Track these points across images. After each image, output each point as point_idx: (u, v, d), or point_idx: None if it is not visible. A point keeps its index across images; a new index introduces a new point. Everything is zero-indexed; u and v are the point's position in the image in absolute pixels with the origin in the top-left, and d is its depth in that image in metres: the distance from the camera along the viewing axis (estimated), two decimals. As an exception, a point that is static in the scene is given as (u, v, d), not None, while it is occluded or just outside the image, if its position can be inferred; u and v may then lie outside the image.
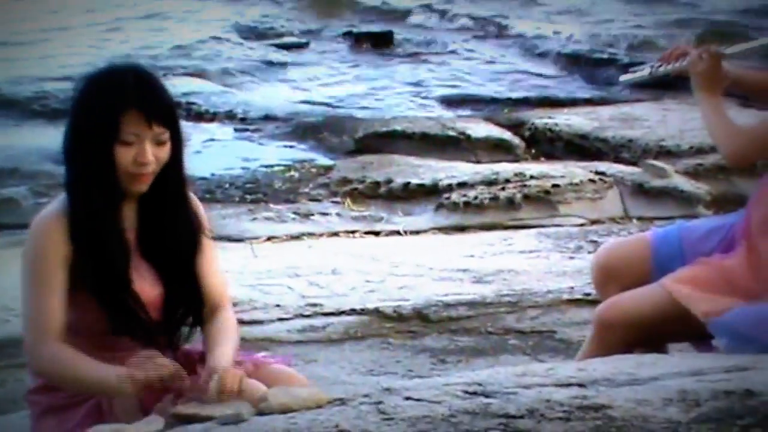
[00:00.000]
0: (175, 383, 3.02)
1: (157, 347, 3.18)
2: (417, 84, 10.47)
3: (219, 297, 3.31)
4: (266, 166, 7.95)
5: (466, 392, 2.99)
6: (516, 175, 7.08)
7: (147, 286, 3.18)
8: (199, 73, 10.36)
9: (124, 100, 3.07)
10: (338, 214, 6.82)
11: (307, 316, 5.18)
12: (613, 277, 3.88)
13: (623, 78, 4.02)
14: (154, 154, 3.10)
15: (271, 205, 6.93)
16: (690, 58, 3.78)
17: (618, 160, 7.68)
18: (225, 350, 3.18)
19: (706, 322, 3.55)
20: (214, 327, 3.26)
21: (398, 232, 6.63)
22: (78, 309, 3.13)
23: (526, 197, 6.87)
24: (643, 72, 3.90)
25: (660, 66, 3.85)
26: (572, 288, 5.44)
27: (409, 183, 7.10)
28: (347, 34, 12.03)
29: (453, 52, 11.60)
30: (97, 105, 3.09)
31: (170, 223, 3.21)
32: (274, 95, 10.00)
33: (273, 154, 8.39)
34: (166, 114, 3.13)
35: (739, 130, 3.65)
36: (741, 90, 3.88)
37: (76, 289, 3.13)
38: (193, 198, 3.31)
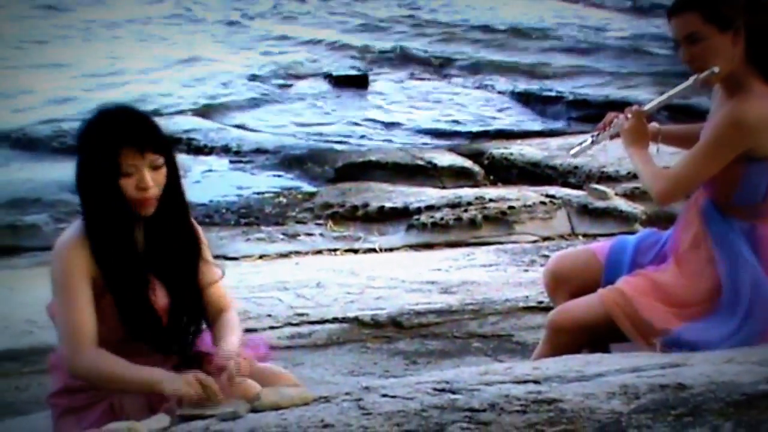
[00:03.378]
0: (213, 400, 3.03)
1: (168, 351, 3.21)
2: (389, 120, 10.48)
3: (222, 301, 3.34)
4: (258, 193, 7.94)
5: (435, 389, 2.98)
6: (477, 198, 7.08)
7: (158, 298, 3.20)
8: (201, 111, 10.36)
9: (118, 139, 3.12)
10: (321, 235, 6.81)
11: (295, 325, 5.16)
12: (562, 282, 3.89)
13: (572, 152, 4.03)
14: (152, 179, 3.14)
15: (263, 228, 6.91)
16: (618, 120, 3.81)
17: (565, 184, 7.69)
18: (233, 340, 3.21)
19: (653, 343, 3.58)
20: (221, 323, 3.29)
21: (374, 250, 6.62)
22: (100, 321, 3.14)
23: (486, 218, 6.87)
24: (587, 142, 3.93)
25: (598, 134, 3.90)
26: (527, 297, 5.44)
27: (383, 206, 7.09)
28: (328, 76, 12.05)
29: (422, 91, 11.63)
30: (98, 146, 3.14)
31: (174, 240, 3.24)
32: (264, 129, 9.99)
33: (264, 182, 8.37)
34: (156, 143, 3.17)
35: (664, 174, 3.66)
36: (667, 143, 3.92)
37: (96, 302, 3.14)
38: (193, 222, 3.33)
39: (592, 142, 3.91)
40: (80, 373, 3.14)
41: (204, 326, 3.34)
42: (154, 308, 3.18)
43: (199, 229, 3.36)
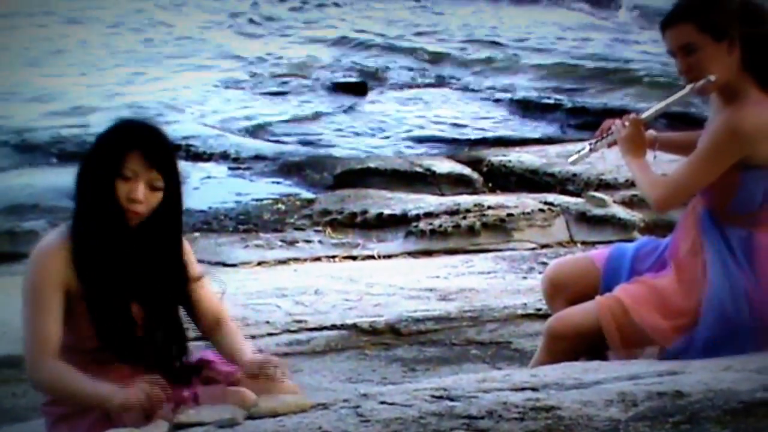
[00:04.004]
0: (155, 409, 2.99)
1: (140, 363, 3.17)
2: (389, 126, 10.49)
3: (218, 312, 3.32)
4: (256, 200, 7.94)
5: (434, 396, 2.98)
6: (475, 205, 7.08)
7: (134, 311, 3.18)
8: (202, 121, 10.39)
9: (129, 141, 3.11)
10: (320, 242, 6.81)
11: (294, 332, 5.16)
12: (560, 290, 3.89)
13: (570, 159, 4.04)
14: (146, 197, 3.11)
15: (261, 234, 6.91)
16: (615, 127, 3.82)
17: (564, 191, 7.69)
18: (248, 347, 3.23)
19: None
20: (227, 333, 3.29)
21: (373, 257, 6.62)
22: (74, 329, 3.12)
23: (485, 225, 6.87)
24: (585, 150, 3.93)
25: (596, 141, 3.90)
26: (525, 304, 5.44)
27: (382, 213, 7.09)
28: (329, 84, 12.07)
29: (421, 99, 11.64)
30: (106, 145, 3.13)
31: (158, 261, 3.20)
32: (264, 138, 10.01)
33: (262, 189, 8.38)
34: (164, 160, 3.14)
35: (661, 181, 3.66)
36: (665, 150, 3.92)
37: (73, 311, 3.11)
38: (185, 244, 3.30)
39: (591, 150, 3.92)
40: (39, 385, 3.12)
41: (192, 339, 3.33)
42: (128, 319, 3.14)
43: (189, 249, 3.33)
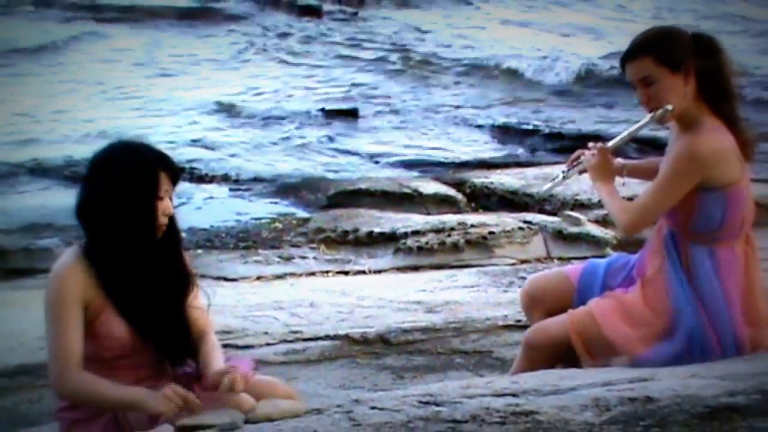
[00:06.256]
0: (193, 411, 3.02)
1: (162, 366, 3.21)
2: (379, 151, 10.50)
3: (204, 324, 3.32)
4: (255, 219, 7.93)
5: (421, 402, 2.98)
6: (459, 224, 7.08)
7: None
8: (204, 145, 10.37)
9: (157, 164, 3.17)
10: (315, 258, 6.80)
11: (290, 342, 5.15)
12: (537, 302, 3.90)
13: (545, 188, 4.06)
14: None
15: (260, 251, 6.90)
16: (584, 157, 3.84)
17: (541, 211, 7.70)
18: (221, 362, 3.21)
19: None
20: (207, 347, 3.28)
21: (364, 272, 6.62)
22: (92, 340, 3.12)
23: (468, 242, 6.87)
24: (558, 179, 3.96)
25: (568, 170, 3.92)
26: (506, 316, 5.44)
27: (372, 231, 7.09)
28: (322, 110, 12.06)
29: (408, 124, 11.65)
30: (141, 170, 3.15)
31: (169, 263, 3.25)
32: (262, 161, 10.00)
33: (261, 209, 8.37)
34: (178, 176, 3.25)
35: (628, 207, 3.69)
36: (632, 176, 3.95)
37: (90, 323, 3.12)
38: (182, 253, 3.35)
39: (564, 178, 3.95)
40: (66, 395, 3.12)
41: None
42: (161, 317, 3.18)
43: (189, 259, 3.36)
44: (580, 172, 3.90)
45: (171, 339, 3.21)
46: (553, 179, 3.97)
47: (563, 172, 3.94)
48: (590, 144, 3.89)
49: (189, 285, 3.28)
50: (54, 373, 3.09)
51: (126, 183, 3.13)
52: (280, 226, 7.51)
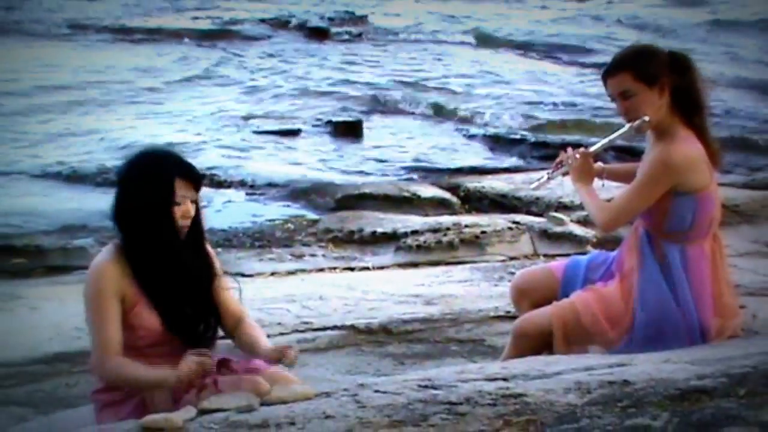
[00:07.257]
0: (209, 372, 3.04)
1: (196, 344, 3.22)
2: (382, 158, 10.49)
3: (239, 311, 3.34)
4: (269, 221, 7.91)
5: (420, 386, 2.98)
6: (454, 224, 7.07)
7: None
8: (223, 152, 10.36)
9: (174, 172, 3.17)
10: (323, 255, 6.80)
11: (301, 331, 5.15)
12: (525, 295, 3.91)
13: (532, 186, 4.07)
14: (191, 212, 3.19)
15: (273, 249, 6.89)
16: (568, 160, 3.84)
17: (529, 212, 7.68)
18: (265, 339, 3.26)
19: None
20: (248, 329, 3.30)
21: (368, 268, 6.61)
22: (128, 329, 3.14)
23: (462, 241, 6.86)
24: (544, 179, 3.96)
25: (553, 171, 3.93)
26: (497, 308, 5.43)
27: (375, 231, 7.08)
28: (328, 122, 12.03)
29: (408, 134, 11.64)
30: (156, 178, 3.16)
31: (196, 260, 3.26)
32: (276, 168, 10.00)
33: (274, 211, 8.35)
34: (200, 181, 3.26)
35: (606, 206, 3.69)
36: (611, 179, 3.95)
37: (126, 314, 3.14)
38: (209, 247, 3.36)
39: (548, 179, 3.95)
40: (107, 377, 3.17)
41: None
42: (188, 309, 3.20)
43: (213, 252, 3.38)
44: (564, 174, 3.90)
45: (199, 326, 3.23)
46: (539, 179, 3.98)
47: (548, 173, 3.94)
48: (569, 148, 3.90)
49: (213, 276, 3.28)
50: (96, 358, 3.13)
51: (144, 189, 3.14)
52: (292, 226, 7.51)
